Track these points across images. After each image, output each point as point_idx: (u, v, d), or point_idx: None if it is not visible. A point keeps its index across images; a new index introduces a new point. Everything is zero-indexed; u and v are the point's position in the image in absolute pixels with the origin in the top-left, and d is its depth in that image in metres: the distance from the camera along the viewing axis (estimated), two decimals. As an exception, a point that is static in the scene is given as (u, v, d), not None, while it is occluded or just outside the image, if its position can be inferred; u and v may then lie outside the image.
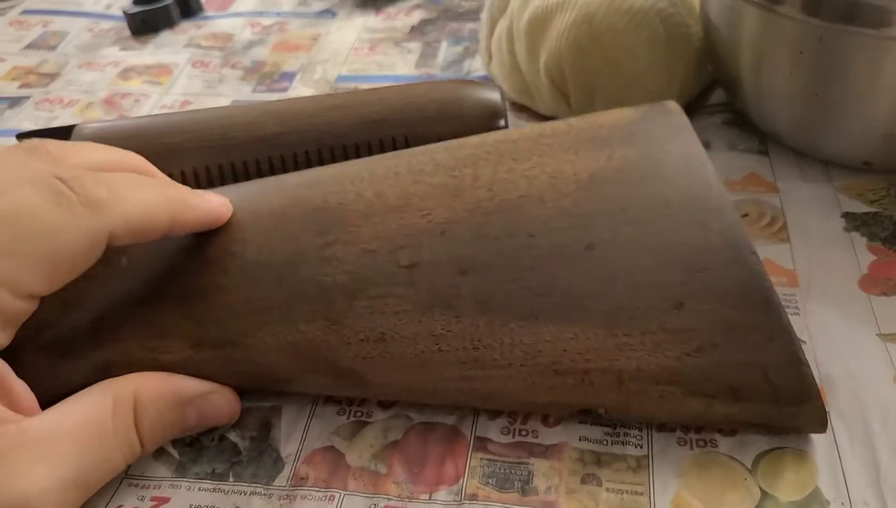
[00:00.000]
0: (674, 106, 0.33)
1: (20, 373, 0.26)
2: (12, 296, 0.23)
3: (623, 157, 0.31)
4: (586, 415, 0.28)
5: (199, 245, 0.30)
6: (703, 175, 0.30)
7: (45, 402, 0.26)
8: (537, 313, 0.27)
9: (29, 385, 0.26)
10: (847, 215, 0.38)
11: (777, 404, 0.26)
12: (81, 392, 0.26)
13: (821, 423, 0.27)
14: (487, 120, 0.37)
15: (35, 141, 0.27)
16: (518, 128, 0.34)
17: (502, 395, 0.27)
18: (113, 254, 0.29)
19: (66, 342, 0.29)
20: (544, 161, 0.31)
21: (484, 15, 0.49)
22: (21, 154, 0.26)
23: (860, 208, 0.38)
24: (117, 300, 0.30)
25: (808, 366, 0.26)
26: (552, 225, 0.29)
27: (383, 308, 0.28)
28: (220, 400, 0.29)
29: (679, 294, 0.27)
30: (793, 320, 0.31)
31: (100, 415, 0.25)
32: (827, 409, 0.27)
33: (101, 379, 0.27)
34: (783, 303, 0.32)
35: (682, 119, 0.32)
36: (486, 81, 0.48)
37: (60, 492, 0.23)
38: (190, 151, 0.36)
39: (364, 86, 0.53)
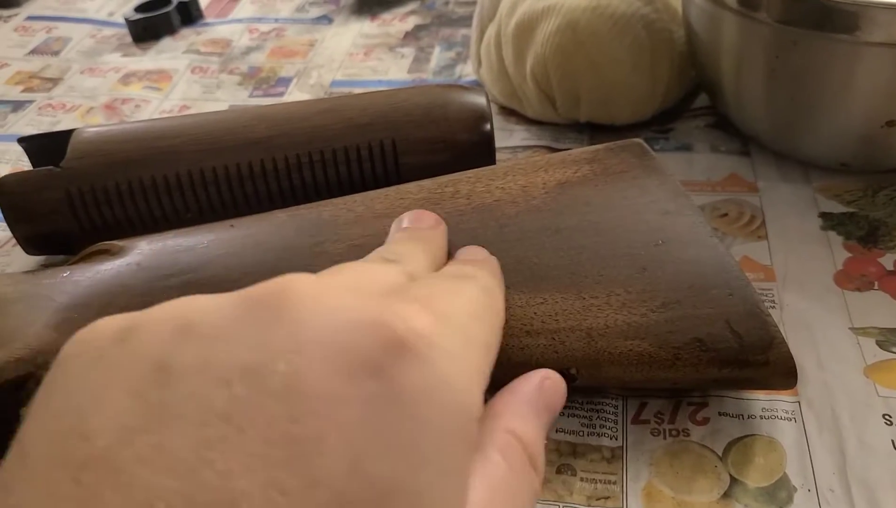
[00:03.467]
0: (639, 142, 0.36)
1: None
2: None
3: (589, 169, 0.34)
4: None
5: (205, 246, 0.33)
6: (664, 179, 0.33)
7: None
8: (508, 285, 0.29)
9: None
10: (824, 215, 0.39)
11: (743, 351, 0.27)
12: None
13: (789, 373, 0.28)
14: (473, 124, 0.38)
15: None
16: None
17: None
18: None
19: None
20: (517, 177, 0.34)
21: (474, 21, 0.50)
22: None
23: (837, 208, 0.39)
24: (124, 291, 0.31)
25: (770, 316, 0.28)
26: (522, 218, 0.32)
27: None
28: (551, 384, 0.25)
29: (641, 262, 0.30)
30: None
31: (503, 484, 0.21)
32: (797, 394, 0.28)
33: None
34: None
35: (646, 148, 0.35)
36: (473, 85, 0.49)
37: None
38: (184, 155, 0.37)
39: (358, 90, 0.54)
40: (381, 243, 0.32)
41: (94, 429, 0.16)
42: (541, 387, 0.25)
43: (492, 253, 0.31)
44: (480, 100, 0.39)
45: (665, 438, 0.29)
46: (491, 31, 0.48)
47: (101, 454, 0.16)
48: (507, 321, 0.29)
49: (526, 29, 0.44)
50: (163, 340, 0.17)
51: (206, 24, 0.66)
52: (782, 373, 0.28)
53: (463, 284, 0.24)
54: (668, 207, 0.32)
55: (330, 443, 0.16)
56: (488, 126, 0.39)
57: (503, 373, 0.30)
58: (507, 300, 0.29)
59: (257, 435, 0.16)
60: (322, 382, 0.17)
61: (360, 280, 0.22)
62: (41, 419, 0.17)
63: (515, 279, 0.30)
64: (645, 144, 0.35)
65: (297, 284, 0.19)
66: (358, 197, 0.35)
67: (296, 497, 0.15)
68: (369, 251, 0.31)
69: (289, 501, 0.15)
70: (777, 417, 0.30)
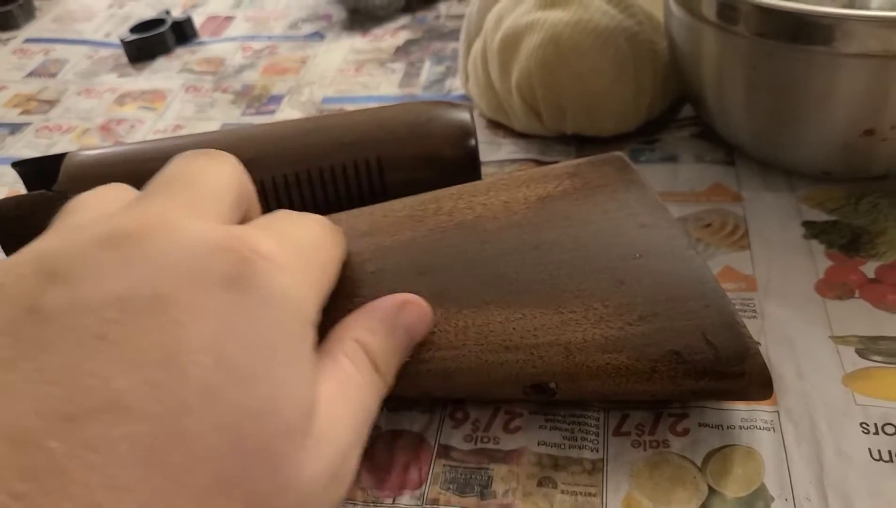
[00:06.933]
0: (619, 155, 0.36)
1: None
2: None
3: (570, 183, 0.34)
4: (539, 392, 0.29)
5: None
6: (643, 192, 0.33)
7: None
8: (488, 301, 0.30)
9: None
10: (807, 224, 0.39)
11: (719, 362, 0.28)
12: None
13: (765, 383, 0.28)
14: (457, 140, 0.39)
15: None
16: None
17: (457, 374, 0.29)
18: None
19: None
20: (500, 193, 0.34)
21: (461, 36, 0.51)
22: None
23: (820, 216, 0.39)
24: None
25: (746, 328, 0.28)
26: (503, 234, 0.32)
27: (350, 307, 0.30)
28: (413, 308, 0.29)
29: (618, 276, 0.30)
30: (750, 323, 0.33)
31: (349, 381, 0.25)
32: (776, 404, 0.28)
33: None
34: (741, 308, 0.34)
35: (626, 161, 0.35)
36: (458, 101, 0.49)
37: (349, 462, 0.24)
38: (174, 176, 0.38)
39: (349, 106, 0.54)
40: (363, 261, 0.32)
41: None
42: (401, 307, 0.28)
43: (473, 269, 0.31)
44: (465, 116, 0.40)
45: (645, 450, 0.30)
46: (477, 47, 0.48)
47: None
48: (486, 337, 0.29)
49: (510, 44, 0.44)
50: (30, 287, 0.20)
51: (201, 43, 0.67)
52: (758, 384, 0.28)
53: (307, 219, 0.28)
54: (645, 220, 0.32)
55: (194, 344, 0.19)
56: (472, 141, 0.39)
57: (484, 390, 0.30)
58: (486, 317, 0.30)
59: (130, 345, 0.19)
60: (184, 297, 0.20)
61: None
62: None
63: (496, 295, 0.30)
64: (625, 158, 0.35)
65: (155, 217, 0.22)
66: (343, 215, 0.35)
67: (167, 389, 0.18)
68: (350, 268, 0.32)
69: (162, 393, 0.18)
70: (756, 427, 0.30)
